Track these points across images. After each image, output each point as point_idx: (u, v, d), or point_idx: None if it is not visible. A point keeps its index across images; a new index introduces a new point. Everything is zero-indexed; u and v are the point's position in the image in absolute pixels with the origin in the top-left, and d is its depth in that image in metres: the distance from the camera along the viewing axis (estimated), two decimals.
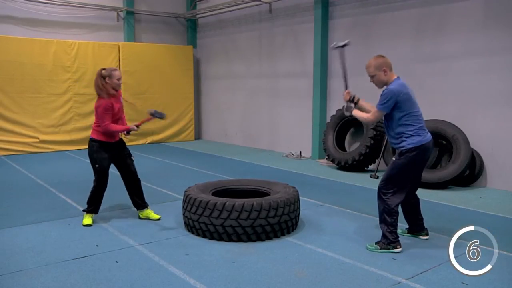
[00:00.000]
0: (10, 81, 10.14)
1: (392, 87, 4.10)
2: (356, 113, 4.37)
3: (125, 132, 5.01)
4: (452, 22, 7.44)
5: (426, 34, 7.79)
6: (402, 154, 4.14)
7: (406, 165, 4.13)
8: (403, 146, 4.12)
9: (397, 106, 4.10)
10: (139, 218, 5.26)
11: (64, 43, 10.79)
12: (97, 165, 4.96)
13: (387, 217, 4.16)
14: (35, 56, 10.39)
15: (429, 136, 4.19)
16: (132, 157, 5.22)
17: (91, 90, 11.49)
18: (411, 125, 4.12)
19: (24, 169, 8.32)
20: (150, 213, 5.27)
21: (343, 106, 4.43)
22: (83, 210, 5.13)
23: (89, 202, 5.07)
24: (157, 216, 5.22)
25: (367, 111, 4.37)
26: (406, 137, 4.12)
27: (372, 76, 4.22)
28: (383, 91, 4.16)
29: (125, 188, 5.29)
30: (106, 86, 4.82)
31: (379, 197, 4.23)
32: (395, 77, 4.20)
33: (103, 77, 4.83)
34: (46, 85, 10.59)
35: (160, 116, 4.99)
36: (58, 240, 4.48)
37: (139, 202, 5.26)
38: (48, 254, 4.12)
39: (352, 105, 4.41)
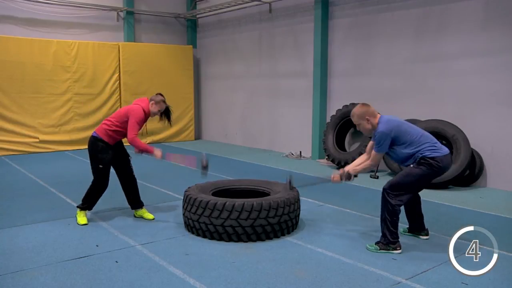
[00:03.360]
0: (10, 81, 10.14)
1: (381, 128, 4.11)
2: (357, 170, 4.35)
3: (138, 150, 4.92)
4: (452, 22, 7.44)
5: (426, 34, 7.79)
6: (421, 164, 4.08)
7: (421, 176, 4.11)
8: (422, 154, 4.07)
9: (395, 143, 4.14)
10: (134, 216, 5.29)
11: (64, 43, 10.79)
12: (100, 166, 4.96)
13: (388, 217, 4.16)
14: (35, 56, 10.39)
15: (446, 150, 4.17)
16: (129, 157, 5.23)
17: (91, 90, 11.59)
18: (420, 146, 4.10)
19: (24, 169, 8.32)
20: (144, 212, 5.29)
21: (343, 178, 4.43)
22: (77, 206, 5.12)
23: (85, 199, 5.07)
24: (151, 216, 5.23)
25: (364, 161, 4.36)
26: (422, 152, 4.09)
27: (357, 125, 4.28)
28: (375, 135, 4.17)
29: None
30: (150, 107, 5.00)
31: (383, 197, 4.22)
32: (377, 119, 4.19)
33: (150, 100, 5.03)
34: (46, 85, 10.59)
35: None
36: (58, 240, 4.48)
37: (135, 202, 5.29)
38: (48, 254, 4.12)
39: (352, 177, 4.37)
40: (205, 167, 5.01)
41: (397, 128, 4.14)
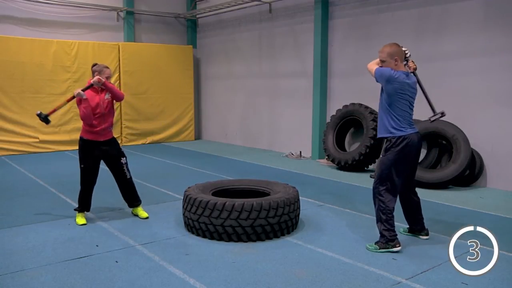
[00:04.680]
0: (10, 81, 10.13)
1: (395, 71, 4.16)
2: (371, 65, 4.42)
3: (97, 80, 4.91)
4: (452, 22, 7.44)
5: (426, 34, 7.79)
6: (386, 150, 4.21)
7: (391, 160, 4.16)
8: (384, 136, 4.22)
9: (386, 89, 4.18)
10: (132, 213, 5.35)
11: (64, 43, 10.79)
12: (82, 165, 5.01)
13: (382, 215, 4.18)
14: (35, 56, 10.39)
15: (411, 131, 4.20)
16: (124, 157, 5.19)
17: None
18: (395, 118, 4.17)
19: (24, 169, 8.32)
20: (139, 211, 5.31)
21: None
22: (75, 209, 5.16)
23: (79, 201, 5.12)
24: (145, 215, 5.26)
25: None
26: (388, 130, 4.19)
27: (382, 61, 4.26)
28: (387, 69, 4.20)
29: None
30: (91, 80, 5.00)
31: (374, 196, 4.28)
32: (402, 69, 4.24)
33: (93, 72, 5.03)
34: (46, 85, 10.58)
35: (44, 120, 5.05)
36: (58, 240, 4.48)
37: (130, 200, 5.31)
38: (48, 254, 4.12)
39: None
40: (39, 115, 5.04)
41: (400, 84, 4.12)
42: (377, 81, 4.31)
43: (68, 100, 5.08)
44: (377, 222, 4.27)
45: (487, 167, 7.12)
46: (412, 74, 4.38)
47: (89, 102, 4.90)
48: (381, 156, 4.31)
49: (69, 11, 11.39)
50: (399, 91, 4.15)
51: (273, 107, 11.02)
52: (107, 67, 5.12)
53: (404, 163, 4.22)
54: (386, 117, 4.24)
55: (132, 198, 5.30)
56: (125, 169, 5.18)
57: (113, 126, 5.23)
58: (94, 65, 5.12)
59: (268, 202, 4.42)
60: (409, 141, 4.15)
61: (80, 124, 11.76)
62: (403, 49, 4.34)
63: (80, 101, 4.91)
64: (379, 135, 4.36)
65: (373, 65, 4.36)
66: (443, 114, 4.44)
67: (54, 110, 5.13)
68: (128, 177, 5.22)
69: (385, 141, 4.28)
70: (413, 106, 4.33)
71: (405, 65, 4.37)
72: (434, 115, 4.47)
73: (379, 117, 4.36)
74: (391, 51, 4.19)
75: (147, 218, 5.23)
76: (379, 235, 4.26)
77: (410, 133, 4.18)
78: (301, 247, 4.33)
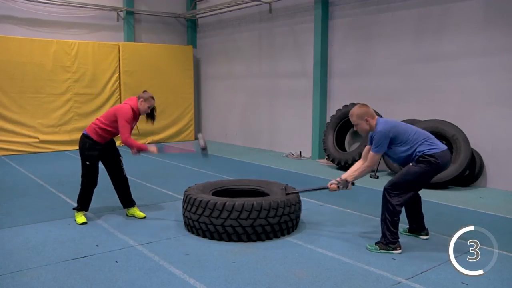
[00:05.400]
0: (10, 81, 10.13)
1: (380, 128, 4.14)
2: (354, 177, 4.32)
3: (135, 150, 4.89)
4: (452, 22, 7.44)
5: (426, 34, 7.79)
6: (419, 162, 4.10)
7: (421, 174, 4.11)
8: (420, 152, 4.09)
9: (393, 142, 4.16)
10: (127, 215, 5.33)
11: (64, 43, 10.79)
12: (87, 162, 5.00)
13: (388, 217, 4.16)
14: (35, 56, 10.38)
15: (442, 147, 4.17)
16: (120, 157, 5.23)
17: (91, 90, 11.60)
18: (417, 143, 4.13)
19: (24, 169, 8.32)
20: (136, 211, 5.31)
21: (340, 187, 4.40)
22: (74, 209, 5.15)
23: (79, 200, 5.11)
24: (142, 215, 5.27)
25: (360, 166, 4.34)
26: (419, 150, 4.11)
27: (355, 125, 4.29)
28: (374, 135, 4.18)
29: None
30: (138, 105, 5.03)
31: (384, 197, 4.22)
32: (375, 120, 4.22)
33: (139, 98, 5.05)
34: (46, 85, 10.58)
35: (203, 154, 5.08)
36: (58, 240, 4.48)
37: (126, 201, 5.32)
38: (48, 254, 4.12)
39: (349, 185, 4.35)
40: (204, 148, 5.03)
41: (395, 128, 4.18)
42: (388, 148, 4.21)
43: (140, 150, 4.93)
44: (381, 221, 4.25)
45: (487, 167, 7.12)
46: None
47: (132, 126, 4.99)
48: (410, 164, 4.17)
49: (69, 11, 11.39)
50: (399, 133, 4.15)
51: (273, 107, 11.02)
52: (153, 98, 5.12)
53: (429, 178, 4.23)
54: (410, 152, 4.14)
55: (128, 197, 5.32)
56: (123, 166, 5.22)
57: None
58: (144, 92, 5.14)
59: (268, 202, 4.42)
60: (445, 158, 4.11)
61: (80, 124, 11.71)
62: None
63: (127, 121, 4.90)
64: (417, 156, 4.15)
65: (365, 164, 4.28)
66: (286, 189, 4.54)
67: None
68: (125, 174, 5.25)
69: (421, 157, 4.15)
70: (419, 130, 4.27)
71: None
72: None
73: (402, 161, 4.25)
74: (359, 112, 4.21)
75: (144, 217, 5.23)
76: (379, 235, 4.25)
77: (444, 150, 4.14)
78: (301, 247, 4.33)
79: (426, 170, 4.10)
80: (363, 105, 4.31)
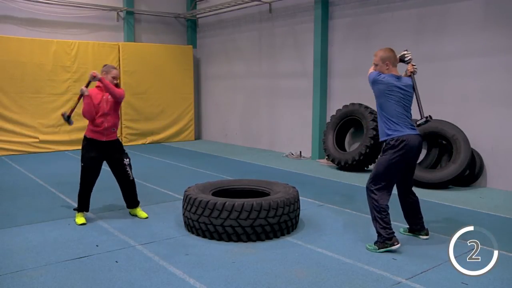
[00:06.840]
0: (10, 81, 10.13)
1: (381, 73, 4.26)
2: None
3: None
4: (452, 22, 7.44)
5: (426, 34, 7.79)
6: (384, 151, 4.23)
7: (389, 160, 4.16)
8: (383, 139, 4.25)
9: (373, 90, 4.28)
10: (130, 214, 5.35)
11: (64, 43, 10.79)
12: (82, 163, 5.03)
13: (377, 214, 4.18)
14: (35, 56, 10.39)
15: (409, 132, 4.19)
16: (127, 159, 5.18)
17: None
18: (388, 120, 4.20)
19: (24, 169, 8.32)
20: (138, 211, 5.32)
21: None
22: (74, 209, 5.18)
23: (78, 201, 5.13)
24: (145, 215, 5.28)
25: None
26: (385, 132, 4.23)
27: (375, 65, 4.34)
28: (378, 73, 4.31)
29: None
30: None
31: (368, 195, 4.29)
32: (394, 71, 4.29)
33: (101, 72, 5.05)
34: (46, 85, 10.59)
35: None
36: (58, 240, 4.48)
37: (130, 201, 5.33)
38: (48, 254, 4.12)
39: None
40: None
41: (386, 85, 4.19)
42: (376, 98, 4.35)
43: (79, 98, 5.10)
44: (372, 221, 4.27)
45: (487, 167, 7.12)
46: (409, 77, 4.39)
47: (91, 99, 4.94)
48: (379, 156, 4.33)
49: (69, 11, 11.39)
50: (385, 92, 4.21)
51: (273, 107, 11.02)
52: (115, 68, 5.15)
53: (401, 164, 4.23)
54: (381, 120, 4.30)
55: (132, 199, 5.31)
56: (129, 170, 5.18)
57: (117, 128, 5.18)
58: (104, 65, 5.17)
59: (268, 202, 4.42)
60: (407, 142, 4.15)
61: (80, 124, 11.79)
62: (405, 52, 4.42)
63: (82, 97, 4.96)
64: (380, 139, 4.39)
65: (370, 71, 4.43)
66: (427, 120, 4.41)
67: (72, 110, 5.22)
68: (131, 178, 5.21)
69: (384, 143, 4.29)
70: (409, 108, 4.32)
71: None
72: (420, 120, 4.45)
73: (378, 122, 4.40)
74: (383, 55, 4.27)
75: (146, 218, 5.24)
76: (376, 234, 4.26)
77: (408, 134, 4.18)
78: (301, 247, 4.33)
79: (395, 156, 4.14)
80: (391, 50, 4.31)
